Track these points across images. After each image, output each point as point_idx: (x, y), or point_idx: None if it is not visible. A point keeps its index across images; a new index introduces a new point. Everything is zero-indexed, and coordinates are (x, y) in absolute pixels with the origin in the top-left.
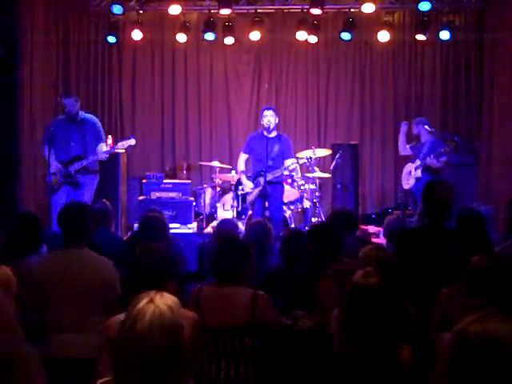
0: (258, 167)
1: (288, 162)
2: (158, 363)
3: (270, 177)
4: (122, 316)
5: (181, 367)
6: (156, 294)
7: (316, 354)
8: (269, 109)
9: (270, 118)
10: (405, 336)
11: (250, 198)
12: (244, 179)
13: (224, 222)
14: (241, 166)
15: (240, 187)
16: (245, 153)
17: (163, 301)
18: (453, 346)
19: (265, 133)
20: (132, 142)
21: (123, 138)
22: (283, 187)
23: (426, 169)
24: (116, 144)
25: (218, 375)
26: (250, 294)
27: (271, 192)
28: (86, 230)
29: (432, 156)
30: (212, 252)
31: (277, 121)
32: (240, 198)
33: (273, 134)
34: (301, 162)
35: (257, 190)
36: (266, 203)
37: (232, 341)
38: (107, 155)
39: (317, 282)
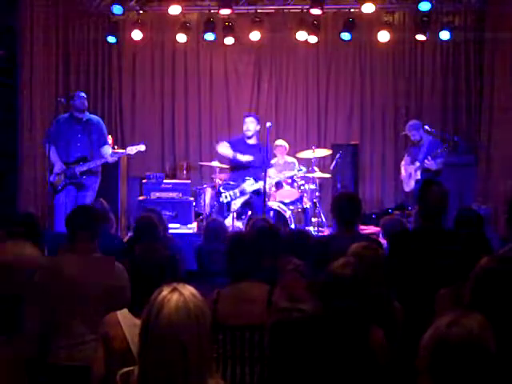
0: (240, 174)
1: (274, 175)
2: (184, 349)
3: (255, 186)
4: (118, 313)
5: (207, 355)
6: (178, 284)
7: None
8: (249, 116)
9: (249, 125)
10: (392, 337)
11: (234, 207)
12: (225, 148)
13: (212, 221)
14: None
15: (223, 195)
16: (228, 142)
17: (186, 289)
18: (434, 347)
19: (246, 140)
20: (142, 147)
21: (133, 143)
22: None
23: (425, 171)
24: (125, 148)
25: (234, 375)
26: (267, 290)
27: (255, 202)
28: (96, 233)
29: (430, 158)
30: (208, 253)
31: (257, 128)
32: (224, 206)
33: (252, 141)
34: (287, 174)
35: (242, 199)
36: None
37: (250, 338)
38: (116, 158)
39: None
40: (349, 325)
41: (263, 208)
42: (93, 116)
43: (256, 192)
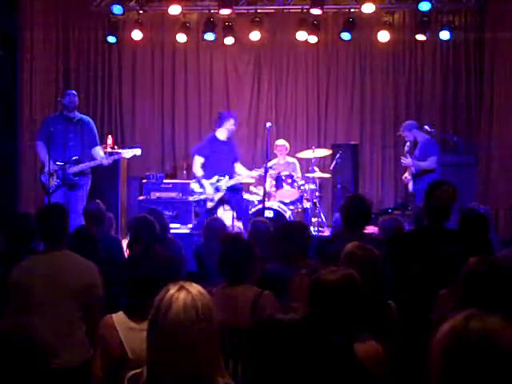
0: (216, 170)
1: (254, 173)
2: (193, 348)
3: (231, 182)
4: (113, 316)
5: (216, 353)
6: (184, 282)
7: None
8: (234, 116)
9: (233, 125)
10: (387, 338)
11: (210, 205)
12: (205, 183)
13: (212, 221)
14: (198, 170)
15: (196, 195)
16: (200, 155)
17: (193, 287)
18: (449, 342)
19: (223, 138)
20: (138, 151)
21: (129, 146)
22: (242, 193)
23: (418, 173)
24: (122, 149)
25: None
26: (254, 294)
27: (231, 198)
28: (64, 231)
29: (408, 156)
30: (208, 252)
31: None
32: (201, 204)
33: (226, 138)
34: (254, 174)
35: (218, 196)
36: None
37: (238, 342)
38: (111, 161)
39: (290, 280)
40: (331, 333)
41: (263, 207)
42: (84, 116)
43: (231, 188)
